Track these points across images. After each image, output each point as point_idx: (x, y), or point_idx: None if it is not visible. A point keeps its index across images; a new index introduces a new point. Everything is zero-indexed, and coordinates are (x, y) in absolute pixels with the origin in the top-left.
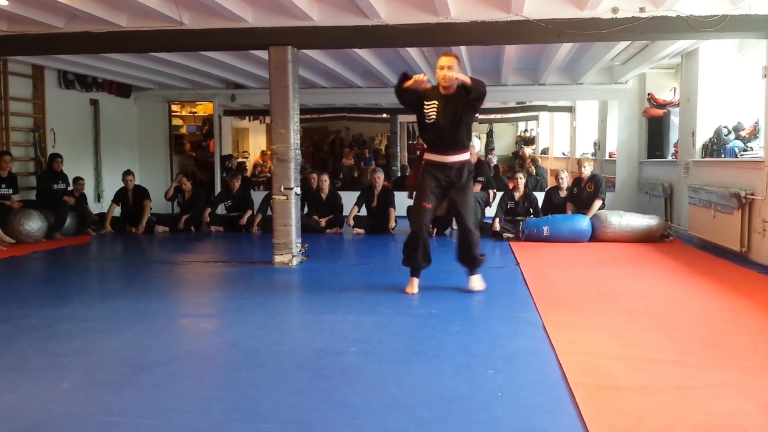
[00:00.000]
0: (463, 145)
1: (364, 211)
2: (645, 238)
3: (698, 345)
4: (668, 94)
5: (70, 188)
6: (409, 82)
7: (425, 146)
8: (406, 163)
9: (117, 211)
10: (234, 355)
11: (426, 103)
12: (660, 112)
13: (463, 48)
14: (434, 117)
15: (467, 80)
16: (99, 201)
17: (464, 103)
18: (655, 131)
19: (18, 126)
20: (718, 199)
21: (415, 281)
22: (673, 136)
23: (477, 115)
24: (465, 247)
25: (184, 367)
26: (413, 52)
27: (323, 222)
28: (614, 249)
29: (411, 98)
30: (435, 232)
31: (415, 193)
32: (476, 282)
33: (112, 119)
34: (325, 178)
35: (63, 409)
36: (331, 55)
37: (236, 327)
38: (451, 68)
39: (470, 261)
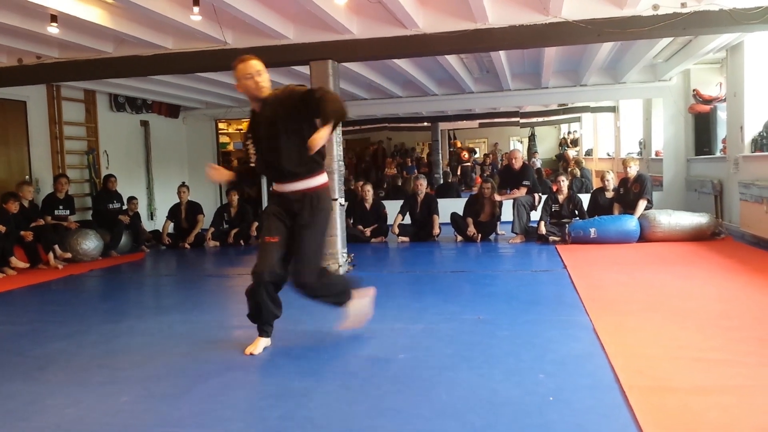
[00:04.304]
0: (305, 170)
1: (408, 220)
2: (695, 236)
3: (755, 344)
4: (714, 90)
5: (125, 207)
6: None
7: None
8: (448, 170)
9: (170, 227)
10: (285, 365)
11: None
12: (706, 108)
13: (502, 53)
14: (258, 140)
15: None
16: (152, 219)
17: (291, 110)
18: (702, 127)
19: (72, 149)
20: None
21: (261, 342)
22: (721, 131)
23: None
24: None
25: (238, 377)
26: (452, 60)
27: (368, 231)
28: (664, 249)
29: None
30: (480, 238)
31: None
32: (356, 309)
33: (162, 139)
34: (369, 188)
35: (123, 421)
36: (370, 66)
37: (286, 337)
38: (261, 72)
39: (331, 305)
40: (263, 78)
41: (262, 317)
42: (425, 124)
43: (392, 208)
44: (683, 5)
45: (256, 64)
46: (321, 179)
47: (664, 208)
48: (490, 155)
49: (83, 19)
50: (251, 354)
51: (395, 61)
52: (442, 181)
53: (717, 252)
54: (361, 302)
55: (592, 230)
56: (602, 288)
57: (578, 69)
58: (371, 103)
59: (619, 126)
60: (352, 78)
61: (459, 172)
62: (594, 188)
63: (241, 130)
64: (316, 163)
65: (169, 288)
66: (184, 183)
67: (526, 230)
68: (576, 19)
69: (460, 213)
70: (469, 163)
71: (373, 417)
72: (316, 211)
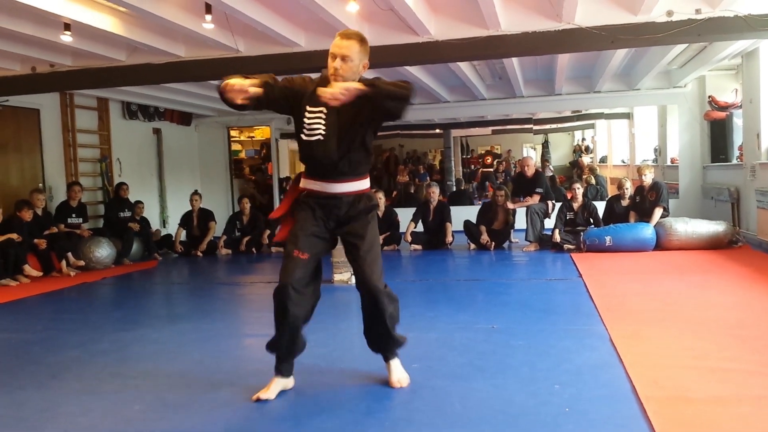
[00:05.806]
0: (360, 171)
1: (420, 227)
2: (712, 244)
3: None
4: (730, 96)
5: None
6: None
7: (304, 170)
8: (461, 177)
9: (183, 234)
10: (298, 374)
11: (310, 109)
12: (722, 114)
13: (514, 59)
14: (321, 132)
15: (365, 89)
16: (164, 226)
17: (368, 112)
18: (718, 134)
19: (85, 157)
20: None
21: (277, 382)
22: (737, 138)
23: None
24: (373, 319)
25: (250, 386)
26: (464, 67)
27: (380, 239)
28: (681, 257)
29: (279, 97)
30: (493, 246)
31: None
32: (397, 371)
33: (175, 146)
34: (380, 195)
35: (135, 430)
36: (382, 73)
37: None
38: (347, 59)
39: (383, 340)
40: (348, 66)
41: (283, 342)
42: (437, 131)
43: (405, 215)
44: (698, 12)
45: (345, 46)
46: (368, 183)
47: (680, 216)
48: (503, 162)
49: (96, 28)
50: (258, 399)
51: (407, 68)
52: (454, 189)
53: (734, 261)
54: (398, 364)
55: (608, 238)
56: (618, 297)
57: (592, 75)
58: None
59: (633, 133)
60: None
61: (479, 178)
62: (609, 195)
63: (253, 137)
64: (368, 164)
65: (181, 296)
66: (196, 191)
67: (540, 238)
68: (589, 25)
69: (473, 220)
70: (490, 169)
71: (386, 427)
72: (365, 213)
